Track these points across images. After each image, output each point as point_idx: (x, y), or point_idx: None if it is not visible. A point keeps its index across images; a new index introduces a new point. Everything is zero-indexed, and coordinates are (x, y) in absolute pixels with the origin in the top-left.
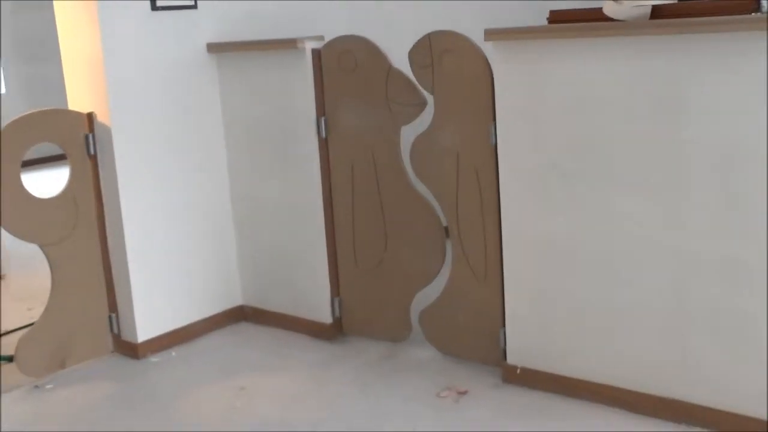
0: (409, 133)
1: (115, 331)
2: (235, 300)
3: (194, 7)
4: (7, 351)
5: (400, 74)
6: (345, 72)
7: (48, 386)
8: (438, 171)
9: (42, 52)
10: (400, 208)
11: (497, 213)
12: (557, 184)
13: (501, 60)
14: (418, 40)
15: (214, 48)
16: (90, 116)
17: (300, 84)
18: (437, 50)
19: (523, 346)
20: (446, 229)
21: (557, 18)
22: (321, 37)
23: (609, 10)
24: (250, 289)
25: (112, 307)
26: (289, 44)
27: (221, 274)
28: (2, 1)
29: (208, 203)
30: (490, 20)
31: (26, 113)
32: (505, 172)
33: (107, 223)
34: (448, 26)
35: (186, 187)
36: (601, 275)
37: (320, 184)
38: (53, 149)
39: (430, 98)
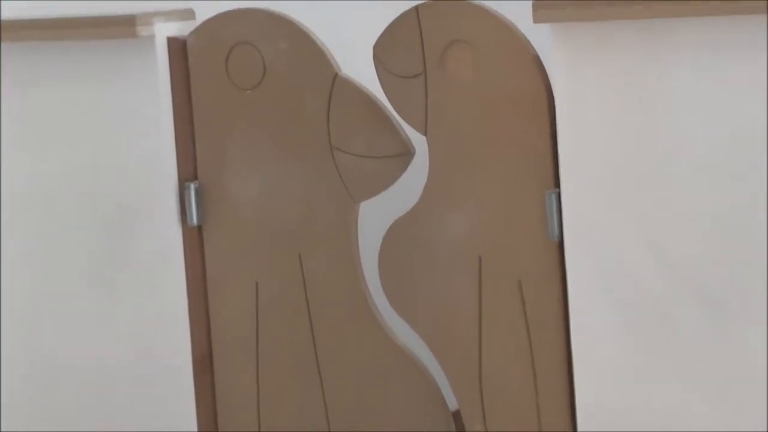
0: (376, 216)
1: None
2: None
3: None
4: None
5: (356, 92)
6: (239, 86)
7: None
8: (438, 295)
9: None
10: (359, 375)
11: (566, 378)
12: (694, 319)
13: (571, 61)
14: (396, 20)
15: None
16: None
17: (142, 110)
18: (436, 40)
19: None
20: (456, 416)
21: None
22: (189, 13)
23: None
24: None
25: None
26: (119, 26)
27: None
28: None
29: None
30: None
31: None
32: (583, 295)
33: None
34: None
35: None
36: None
37: (186, 326)
38: None
39: (419, 142)
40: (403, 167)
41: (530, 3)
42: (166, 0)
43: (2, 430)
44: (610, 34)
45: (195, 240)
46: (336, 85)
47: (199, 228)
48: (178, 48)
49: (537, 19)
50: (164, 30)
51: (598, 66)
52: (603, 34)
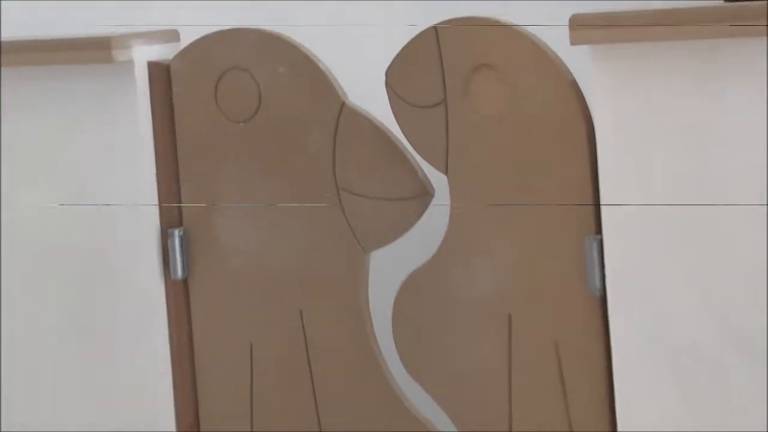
0: (389, 268)
1: None
2: None
3: None
4: None
5: (366, 124)
6: (231, 118)
7: None
8: (461, 359)
9: None
10: None
11: None
12: (752, 382)
13: (614, 88)
14: (412, 41)
15: None
16: None
17: (119, 145)
18: (458, 64)
19: None
20: None
21: None
22: (173, 35)
23: None
24: None
25: None
26: (92, 49)
27: None
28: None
29: None
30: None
31: None
32: (629, 357)
33: None
34: (474, 10)
35: None
36: None
37: (170, 395)
38: None
39: (438, 181)
40: (421, 211)
41: (565, 21)
42: None
43: None
44: (657, 57)
45: (180, 295)
46: (343, 115)
47: (185, 282)
48: (160, 74)
49: (575, 40)
50: (144, 54)
51: (644, 93)
52: (649, 57)
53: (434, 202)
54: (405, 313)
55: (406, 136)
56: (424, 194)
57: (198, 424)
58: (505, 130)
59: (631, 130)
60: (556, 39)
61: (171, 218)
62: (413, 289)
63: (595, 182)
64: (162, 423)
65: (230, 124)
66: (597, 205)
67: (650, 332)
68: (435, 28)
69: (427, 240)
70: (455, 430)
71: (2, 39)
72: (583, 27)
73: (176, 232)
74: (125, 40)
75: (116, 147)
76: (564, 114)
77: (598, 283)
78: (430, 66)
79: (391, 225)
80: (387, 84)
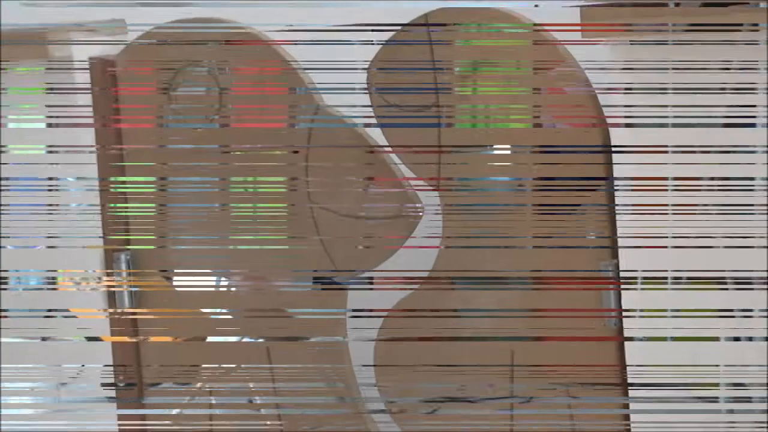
0: (371, 296)
1: None
2: None
3: None
4: None
5: (344, 130)
6: (187, 122)
7: None
8: (455, 404)
9: None
10: None
11: None
12: None
13: (636, 89)
14: (398, 33)
15: None
16: None
17: (55, 155)
18: (453, 61)
19: None
20: None
21: None
22: (119, 24)
23: None
24: None
25: None
26: (24, 43)
27: None
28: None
29: None
30: None
31: None
32: (652, 408)
33: None
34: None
35: None
36: None
37: None
38: None
39: (428, 199)
40: (407, 231)
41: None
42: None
43: None
44: (691, 54)
45: (126, 331)
46: (317, 120)
47: (133, 314)
48: (104, 71)
49: (585, 34)
50: (85, 48)
51: (669, 92)
52: (681, 53)
53: (424, 221)
54: (390, 350)
55: (390, 144)
56: (411, 212)
57: None
58: (506, 138)
59: (654, 137)
60: (565, 31)
61: (116, 240)
62: (399, 322)
63: (611, 198)
64: None
65: (186, 130)
66: (611, 203)
67: (676, 372)
68: (426, 17)
69: (415, 263)
70: None
71: None
72: (598, 17)
73: (123, 257)
74: (62, 31)
75: (52, 155)
76: (575, 120)
77: (614, 314)
78: (419, 62)
79: (373, 247)
80: (369, 83)
